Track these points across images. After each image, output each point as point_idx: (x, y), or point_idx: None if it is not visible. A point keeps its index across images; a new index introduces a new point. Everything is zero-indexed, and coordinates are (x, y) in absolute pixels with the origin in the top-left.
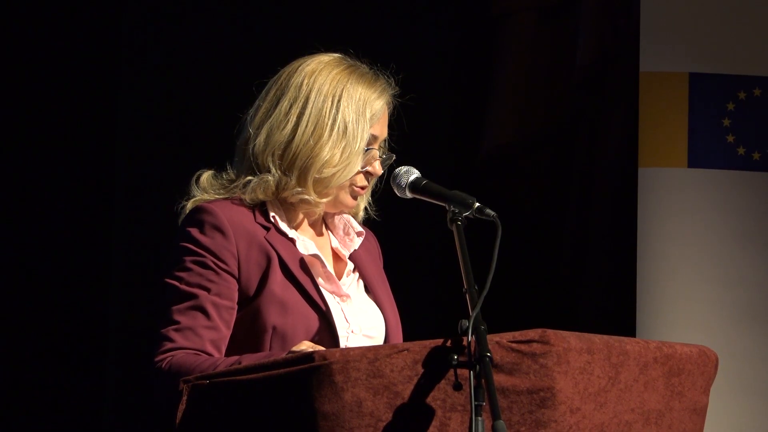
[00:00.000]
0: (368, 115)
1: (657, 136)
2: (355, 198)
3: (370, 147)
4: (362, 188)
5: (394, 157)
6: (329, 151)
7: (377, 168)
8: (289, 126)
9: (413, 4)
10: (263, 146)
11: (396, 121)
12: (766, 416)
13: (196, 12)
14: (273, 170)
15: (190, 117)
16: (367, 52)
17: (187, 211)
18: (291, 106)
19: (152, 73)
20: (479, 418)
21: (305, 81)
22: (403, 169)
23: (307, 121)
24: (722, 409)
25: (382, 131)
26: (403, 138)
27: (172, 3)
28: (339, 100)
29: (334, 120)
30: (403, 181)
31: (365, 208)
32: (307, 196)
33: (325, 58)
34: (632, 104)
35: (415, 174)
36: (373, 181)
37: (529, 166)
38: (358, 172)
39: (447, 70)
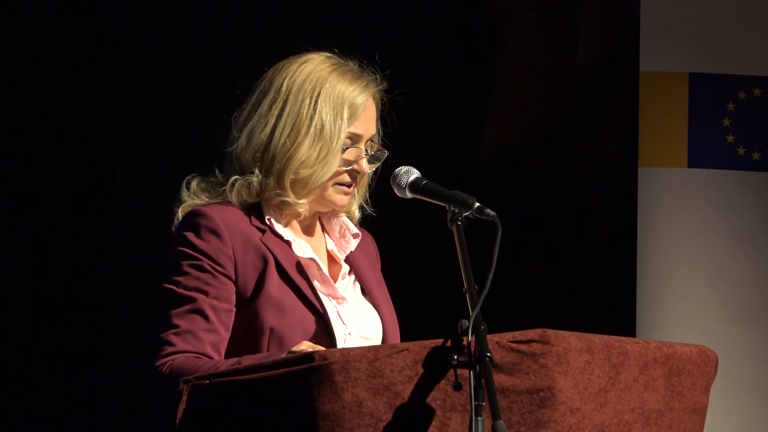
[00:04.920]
0: (346, 114)
1: (657, 136)
2: (344, 195)
3: (354, 145)
4: (349, 186)
5: (387, 154)
6: (305, 152)
7: (363, 166)
8: (268, 127)
9: (413, 4)
10: (245, 148)
11: (395, 121)
12: (766, 416)
13: (196, 13)
14: (255, 172)
15: (190, 118)
16: (367, 53)
17: (181, 216)
18: (271, 107)
19: (152, 74)
20: (479, 418)
21: (286, 81)
22: (403, 169)
23: (285, 122)
24: (722, 409)
25: (366, 129)
26: (402, 138)
27: (172, 4)
28: (317, 99)
29: (311, 119)
30: (403, 181)
31: (361, 206)
32: (286, 198)
33: (310, 57)
34: (632, 104)
35: (415, 174)
36: (363, 178)
37: (529, 166)
38: (344, 171)
39: (447, 70)
